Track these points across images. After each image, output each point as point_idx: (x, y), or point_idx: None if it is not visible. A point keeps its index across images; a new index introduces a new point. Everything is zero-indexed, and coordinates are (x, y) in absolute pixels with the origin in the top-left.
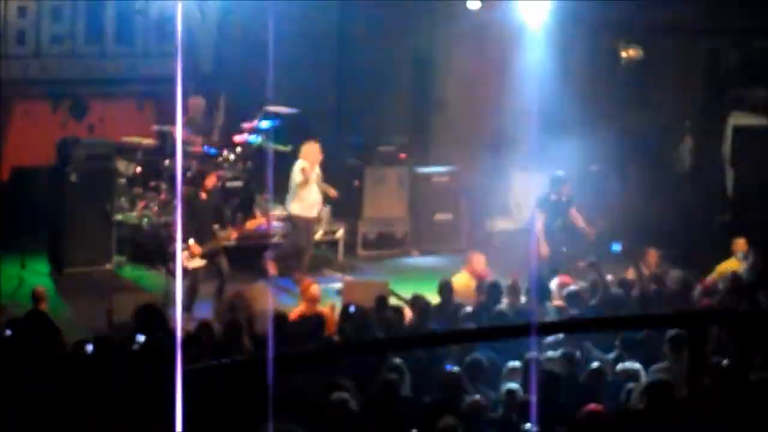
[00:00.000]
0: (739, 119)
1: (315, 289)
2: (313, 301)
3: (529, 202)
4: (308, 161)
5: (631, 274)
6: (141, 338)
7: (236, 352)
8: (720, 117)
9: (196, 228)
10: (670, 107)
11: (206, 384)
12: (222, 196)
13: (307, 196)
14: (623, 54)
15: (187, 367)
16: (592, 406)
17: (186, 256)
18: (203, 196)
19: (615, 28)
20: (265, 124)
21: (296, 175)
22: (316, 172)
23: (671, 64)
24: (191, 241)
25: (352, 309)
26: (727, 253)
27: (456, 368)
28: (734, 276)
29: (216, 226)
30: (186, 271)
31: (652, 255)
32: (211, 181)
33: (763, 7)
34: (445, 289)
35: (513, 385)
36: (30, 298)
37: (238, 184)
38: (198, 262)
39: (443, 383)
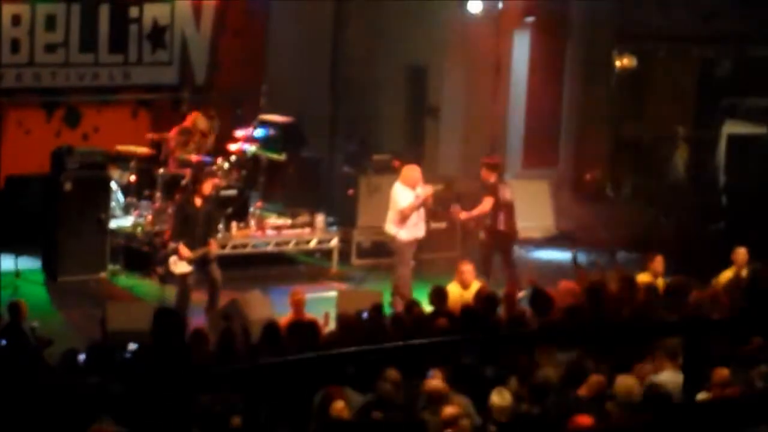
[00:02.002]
0: (733, 127)
1: (300, 295)
2: (297, 306)
3: (522, 210)
4: (408, 185)
5: (645, 277)
6: (133, 346)
7: (231, 360)
8: (714, 125)
9: (188, 232)
10: (664, 115)
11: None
12: (216, 203)
13: (412, 220)
14: (618, 63)
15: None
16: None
17: (174, 261)
18: (198, 202)
19: (610, 36)
20: (259, 132)
21: (400, 201)
22: (416, 194)
23: (666, 73)
24: (180, 246)
25: (365, 316)
26: (722, 262)
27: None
28: (738, 279)
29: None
30: (174, 276)
31: (658, 261)
32: (207, 188)
33: (757, 15)
34: (438, 296)
35: None
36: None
37: (232, 192)
38: (185, 267)
39: None
